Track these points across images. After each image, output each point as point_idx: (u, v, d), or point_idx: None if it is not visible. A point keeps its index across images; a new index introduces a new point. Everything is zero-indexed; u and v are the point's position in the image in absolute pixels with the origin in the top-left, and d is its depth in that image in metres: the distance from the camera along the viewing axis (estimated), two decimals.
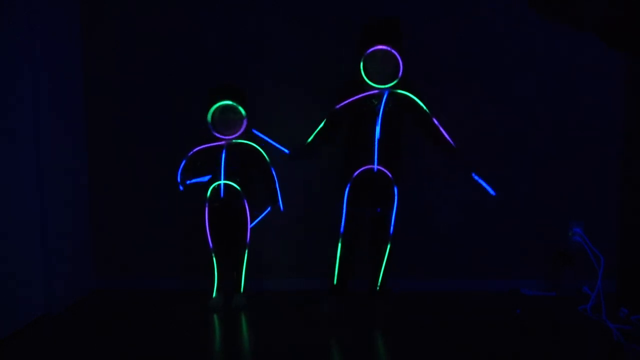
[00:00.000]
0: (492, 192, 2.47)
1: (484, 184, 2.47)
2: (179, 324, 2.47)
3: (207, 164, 2.58)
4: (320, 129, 2.50)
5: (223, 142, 2.53)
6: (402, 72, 2.33)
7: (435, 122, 2.42)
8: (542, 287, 2.97)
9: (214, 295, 2.65)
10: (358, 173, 2.40)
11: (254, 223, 2.62)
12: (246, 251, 2.62)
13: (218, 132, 2.51)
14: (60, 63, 2.68)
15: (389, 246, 2.51)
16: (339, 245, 2.50)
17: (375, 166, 2.38)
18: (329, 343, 2.29)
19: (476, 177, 2.46)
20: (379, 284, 2.58)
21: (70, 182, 2.77)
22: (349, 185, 2.43)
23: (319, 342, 2.28)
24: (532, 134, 2.94)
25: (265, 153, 2.58)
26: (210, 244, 2.60)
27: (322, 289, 2.67)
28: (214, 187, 2.55)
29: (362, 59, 2.30)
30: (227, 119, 2.50)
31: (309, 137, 2.53)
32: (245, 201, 2.56)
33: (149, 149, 2.95)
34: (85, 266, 2.90)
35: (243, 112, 2.49)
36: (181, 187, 2.57)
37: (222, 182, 2.52)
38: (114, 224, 2.99)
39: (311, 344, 2.26)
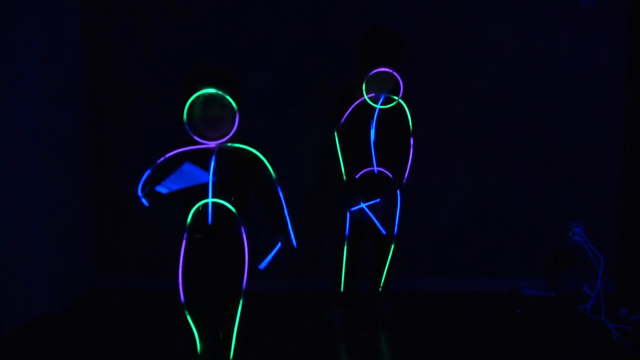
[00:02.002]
0: (383, 231, 2.43)
1: (376, 221, 2.41)
2: (179, 324, 2.46)
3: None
4: (343, 152, 2.41)
5: (212, 145, 1.74)
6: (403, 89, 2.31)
7: (411, 141, 2.40)
8: (542, 287, 2.97)
9: (198, 351, 1.88)
10: (359, 176, 2.40)
11: (264, 263, 1.79)
12: (241, 301, 1.81)
13: (198, 135, 1.73)
14: (60, 63, 2.68)
15: (392, 246, 2.51)
16: (345, 248, 2.45)
17: (376, 168, 2.38)
18: (329, 343, 2.29)
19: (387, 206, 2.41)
20: (381, 284, 2.58)
21: (71, 182, 2.77)
22: (359, 189, 2.42)
23: (319, 342, 2.28)
24: (532, 134, 2.94)
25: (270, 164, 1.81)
26: (182, 297, 1.78)
27: (321, 289, 2.67)
28: (197, 210, 1.78)
29: (365, 80, 2.28)
30: (210, 115, 1.74)
31: (342, 170, 2.42)
32: (243, 229, 1.78)
33: (149, 149, 2.93)
34: (85, 266, 2.90)
35: (234, 104, 1.70)
36: (145, 202, 1.84)
37: (210, 200, 1.73)
38: (114, 224, 2.99)
39: (311, 344, 2.27)
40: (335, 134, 2.41)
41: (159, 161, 1.78)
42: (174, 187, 1.74)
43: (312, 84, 2.88)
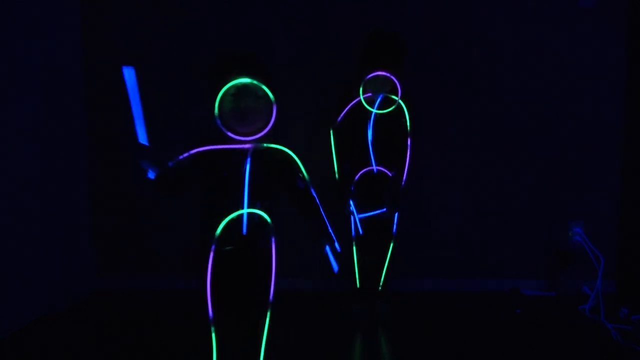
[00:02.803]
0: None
1: (358, 223, 2.42)
2: (179, 324, 2.47)
3: (210, 178, 1.66)
4: (338, 151, 2.44)
5: (247, 146, 1.59)
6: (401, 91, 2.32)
7: (409, 142, 2.41)
8: (542, 287, 2.97)
9: None
10: (359, 176, 2.41)
11: (335, 266, 1.68)
12: (268, 314, 1.72)
13: (230, 130, 1.56)
14: (60, 63, 2.68)
15: (391, 245, 2.51)
16: (354, 248, 2.49)
17: (375, 167, 2.39)
18: (329, 343, 2.29)
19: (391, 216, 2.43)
20: (381, 283, 2.58)
21: (71, 182, 2.77)
22: (352, 188, 2.44)
23: (319, 342, 2.29)
24: (532, 134, 2.94)
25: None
26: (211, 313, 1.61)
27: (329, 289, 2.67)
28: (227, 221, 1.58)
29: (362, 84, 2.29)
30: (243, 107, 1.57)
31: (335, 170, 2.45)
32: (273, 240, 1.66)
33: (149, 148, 2.94)
34: (85, 266, 2.90)
35: (271, 95, 1.57)
36: (151, 173, 1.73)
37: (245, 210, 1.58)
38: (114, 223, 2.99)
39: (311, 343, 2.27)
40: (332, 132, 2.42)
41: (182, 156, 1.62)
42: (142, 124, 1.72)
43: (312, 84, 2.88)
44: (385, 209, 2.41)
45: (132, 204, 2.97)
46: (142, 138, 1.66)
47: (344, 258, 2.54)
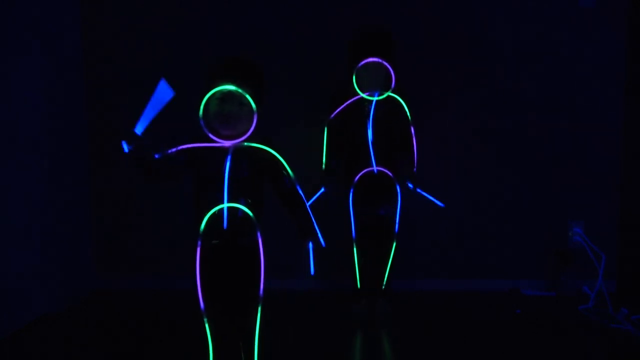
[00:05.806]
0: (440, 204, 2.47)
1: (430, 197, 2.47)
2: (179, 324, 2.47)
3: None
4: (328, 144, 2.45)
5: (228, 144, 1.67)
6: (395, 81, 2.32)
7: (412, 130, 2.42)
8: (542, 287, 2.97)
9: None
10: (359, 176, 2.41)
11: (312, 269, 1.77)
12: (259, 309, 1.76)
13: (213, 132, 1.66)
14: (60, 63, 2.68)
15: (394, 245, 2.51)
16: (354, 249, 2.49)
17: (375, 168, 2.39)
18: (330, 343, 2.29)
19: (421, 192, 2.46)
20: (384, 283, 2.59)
21: (71, 182, 2.77)
22: (352, 190, 2.44)
23: (319, 342, 2.29)
24: (532, 133, 2.94)
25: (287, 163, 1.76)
26: (202, 305, 1.68)
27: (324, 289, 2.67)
28: (211, 215, 1.65)
29: (355, 72, 2.30)
30: (226, 111, 1.66)
31: (322, 160, 2.47)
32: (259, 234, 1.71)
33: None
34: (85, 266, 2.90)
35: (252, 104, 1.63)
36: (126, 148, 1.61)
37: (225, 205, 1.64)
38: (114, 223, 2.99)
39: (312, 343, 2.27)
40: (325, 128, 2.44)
41: (169, 151, 1.68)
42: (147, 121, 1.64)
43: (312, 84, 2.88)
44: (410, 185, 2.42)
45: (132, 204, 2.97)
46: (139, 129, 1.65)
47: (344, 258, 2.57)
